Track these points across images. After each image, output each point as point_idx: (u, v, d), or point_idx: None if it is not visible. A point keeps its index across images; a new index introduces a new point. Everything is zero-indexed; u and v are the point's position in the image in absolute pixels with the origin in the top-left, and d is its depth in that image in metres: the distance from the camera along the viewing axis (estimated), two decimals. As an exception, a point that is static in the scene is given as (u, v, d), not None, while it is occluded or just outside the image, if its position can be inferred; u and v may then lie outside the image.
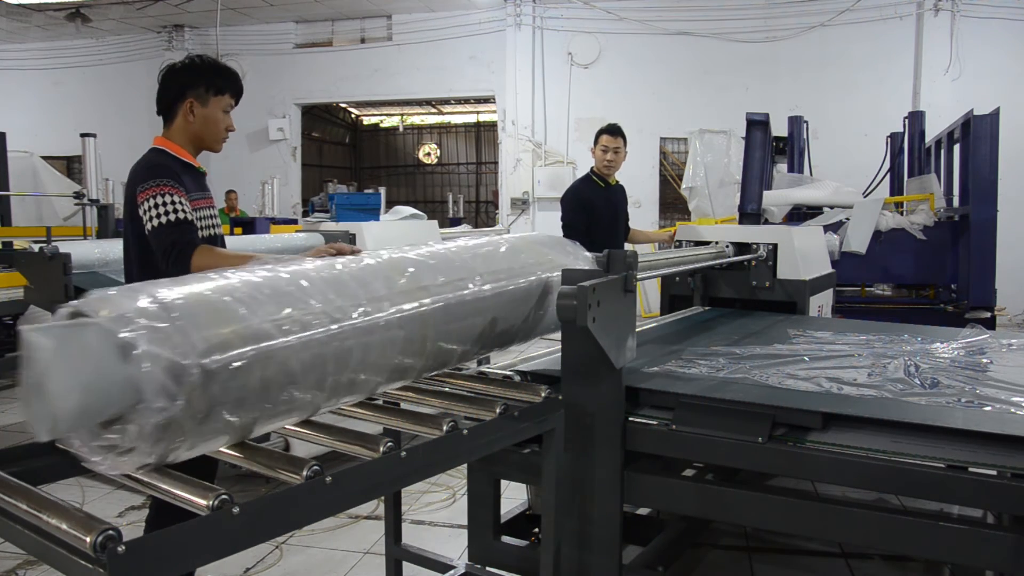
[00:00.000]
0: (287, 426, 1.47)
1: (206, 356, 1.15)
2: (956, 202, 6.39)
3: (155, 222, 2.02)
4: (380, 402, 1.73)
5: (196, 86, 2.16)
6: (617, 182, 4.31)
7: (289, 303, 1.35)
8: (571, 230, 3.89)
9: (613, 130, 4.17)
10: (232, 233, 6.71)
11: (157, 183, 2.05)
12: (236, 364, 1.19)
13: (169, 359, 1.12)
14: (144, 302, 1.16)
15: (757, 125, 5.28)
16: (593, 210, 4.06)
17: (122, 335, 1.11)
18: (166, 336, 1.13)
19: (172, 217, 2.03)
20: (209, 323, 1.20)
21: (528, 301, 1.94)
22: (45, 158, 10.95)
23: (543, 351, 2.49)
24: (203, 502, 1.12)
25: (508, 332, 1.91)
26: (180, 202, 2.04)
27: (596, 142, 4.19)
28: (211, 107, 2.17)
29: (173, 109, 2.19)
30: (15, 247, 5.31)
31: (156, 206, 2.03)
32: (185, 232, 2.04)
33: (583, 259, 2.16)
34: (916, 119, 7.29)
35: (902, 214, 6.13)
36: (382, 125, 17.07)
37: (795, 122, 7.45)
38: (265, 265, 1.46)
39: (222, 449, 1.34)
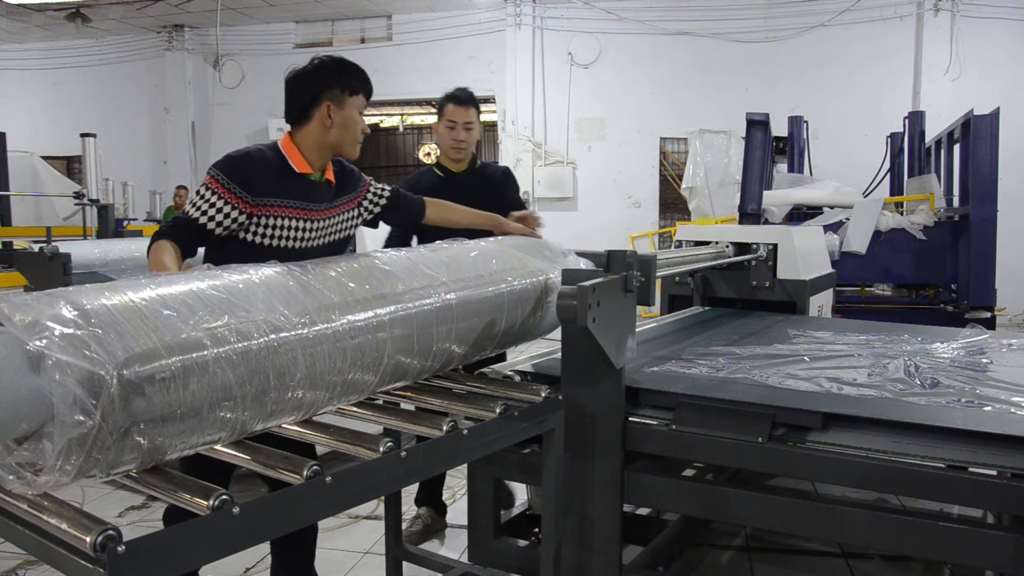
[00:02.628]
0: (285, 426, 1.46)
1: (127, 367, 1.07)
2: (956, 202, 6.39)
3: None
4: (380, 402, 1.73)
5: (331, 88, 2.05)
6: (480, 164, 3.14)
7: (227, 311, 1.26)
8: (394, 239, 3.03)
9: (463, 98, 3.03)
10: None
11: (209, 174, 1.97)
12: (162, 376, 1.11)
13: (84, 370, 1.03)
14: (63, 309, 1.08)
15: (757, 125, 5.29)
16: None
17: (33, 344, 1.03)
18: (82, 345, 1.04)
19: (184, 211, 1.96)
20: (133, 331, 1.11)
21: (499, 310, 1.84)
22: (45, 158, 10.96)
23: (543, 351, 2.49)
24: (203, 502, 1.12)
25: (478, 343, 1.82)
26: (207, 200, 1.93)
27: (441, 114, 3.05)
28: (347, 108, 2.05)
29: (307, 114, 2.08)
30: (15, 247, 5.31)
31: (191, 200, 1.98)
32: (172, 225, 1.95)
33: (568, 262, 2.10)
34: (916, 119, 7.29)
35: (902, 214, 6.13)
36: (382, 125, 17.05)
37: (795, 122, 7.45)
38: (212, 272, 1.37)
39: (221, 449, 1.34)
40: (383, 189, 2.35)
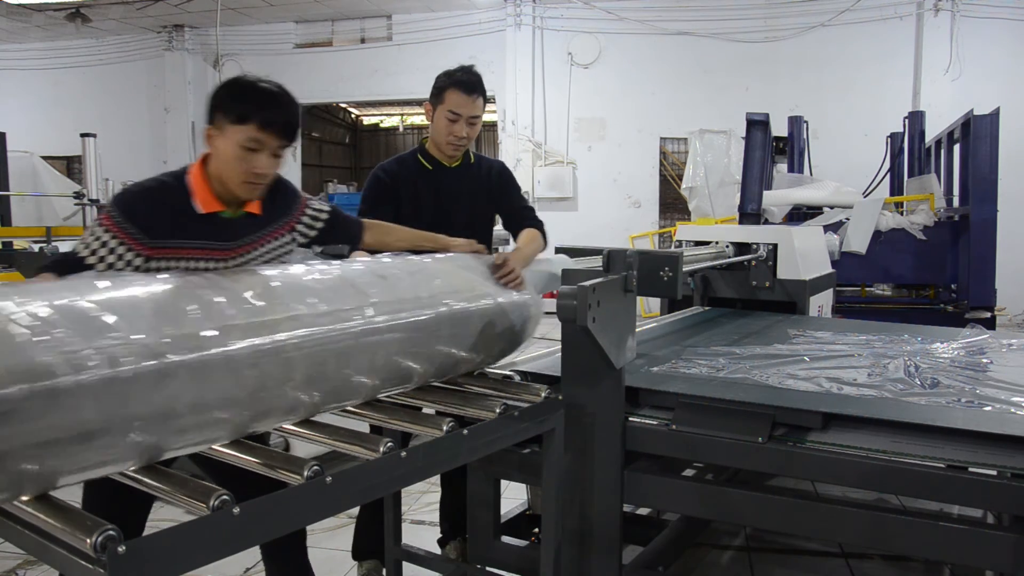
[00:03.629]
0: (286, 426, 1.46)
1: None
2: (956, 202, 6.39)
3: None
4: (380, 402, 1.73)
5: (216, 109, 1.73)
6: (474, 159, 2.70)
7: (96, 332, 1.11)
8: None
9: (471, 84, 2.57)
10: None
11: (105, 211, 1.71)
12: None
13: None
14: None
15: (757, 125, 5.29)
16: (403, 203, 2.55)
17: None
18: None
19: (74, 249, 1.71)
20: None
21: (435, 339, 1.70)
22: (45, 158, 10.95)
23: (543, 351, 2.49)
24: (203, 502, 1.12)
25: (409, 374, 1.68)
26: (100, 239, 1.67)
27: (440, 99, 2.55)
28: (228, 137, 1.71)
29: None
30: (15, 247, 5.31)
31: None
32: (59, 261, 1.72)
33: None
34: (916, 119, 7.29)
35: (902, 214, 6.13)
36: (382, 125, 17.06)
37: (795, 122, 7.45)
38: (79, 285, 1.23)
39: (221, 448, 1.34)
40: (320, 211, 2.05)
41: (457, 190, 2.60)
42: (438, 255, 2.02)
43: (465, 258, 2.04)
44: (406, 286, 1.71)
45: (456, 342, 1.78)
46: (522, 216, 2.67)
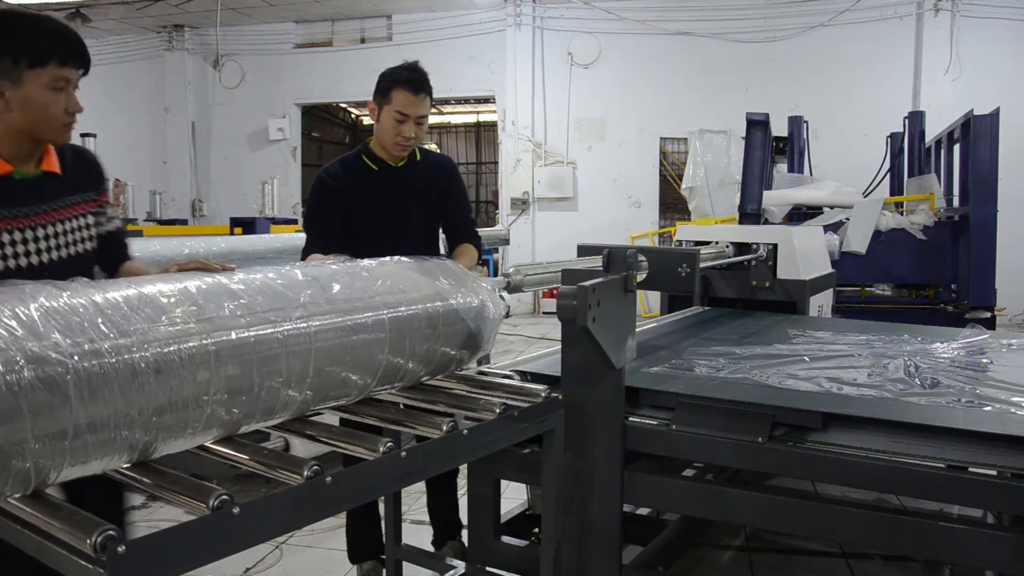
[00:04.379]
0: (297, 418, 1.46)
1: None
2: (956, 202, 6.40)
3: None
4: (380, 401, 1.73)
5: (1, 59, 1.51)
6: (420, 155, 2.60)
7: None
8: (313, 246, 2.43)
9: (417, 83, 2.44)
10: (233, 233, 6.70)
11: None
12: None
13: None
14: None
15: (757, 125, 5.29)
16: (351, 207, 2.46)
17: None
18: None
19: None
20: None
21: (372, 347, 1.55)
22: (45, 158, 10.96)
23: (543, 351, 2.49)
24: (203, 502, 1.12)
25: (343, 386, 1.52)
26: None
27: (386, 98, 2.42)
28: (28, 85, 1.53)
29: None
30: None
31: None
32: None
33: (476, 291, 1.86)
34: (916, 119, 7.29)
35: (902, 214, 6.14)
36: (382, 125, 17.07)
37: (795, 122, 7.45)
38: None
39: (221, 449, 1.34)
40: (112, 219, 1.84)
41: (405, 190, 2.52)
42: (384, 259, 1.83)
43: (409, 261, 1.88)
44: (343, 288, 1.56)
45: (399, 344, 1.63)
46: (461, 230, 2.63)
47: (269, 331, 1.35)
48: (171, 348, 1.20)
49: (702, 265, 3.33)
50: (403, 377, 1.68)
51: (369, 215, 2.47)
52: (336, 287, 1.54)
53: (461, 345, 1.82)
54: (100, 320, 1.16)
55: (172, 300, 1.27)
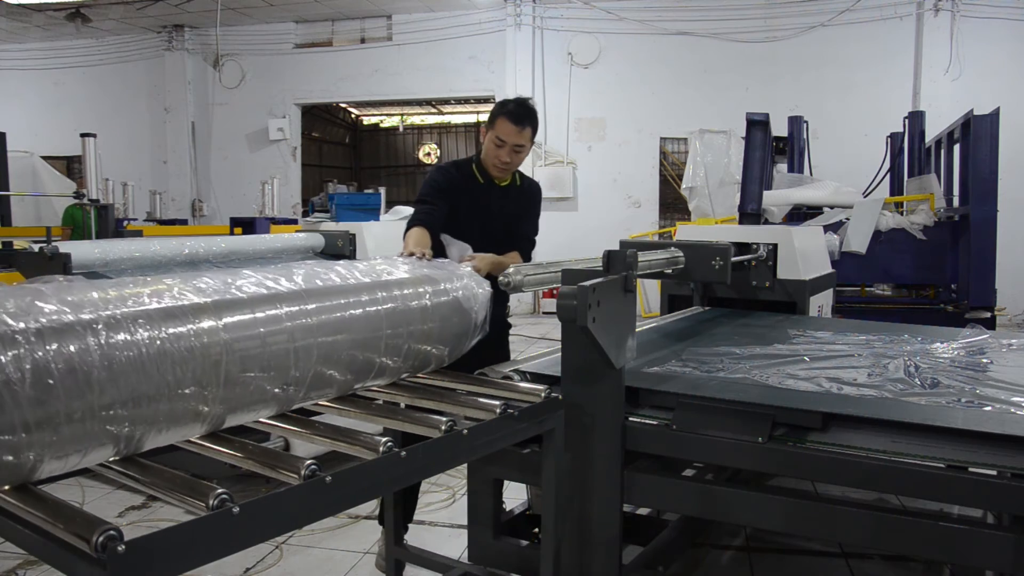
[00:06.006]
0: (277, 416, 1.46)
1: None
2: (956, 202, 6.39)
3: None
4: (380, 402, 1.73)
5: None
6: (520, 181, 2.84)
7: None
8: (420, 222, 2.56)
9: (519, 115, 2.62)
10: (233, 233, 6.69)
11: None
12: None
13: None
14: None
15: (757, 125, 5.28)
16: (455, 206, 2.68)
17: None
18: None
19: None
20: None
21: (371, 320, 1.62)
22: (45, 158, 10.96)
23: (543, 351, 2.49)
24: (203, 502, 1.12)
25: (347, 364, 1.58)
26: None
27: (491, 124, 2.67)
28: None
29: None
30: (15, 247, 5.31)
31: None
32: None
33: (459, 275, 1.97)
34: (916, 119, 7.29)
35: (902, 214, 6.13)
36: (382, 125, 17.07)
37: (795, 122, 7.45)
38: None
39: (221, 448, 1.34)
40: None
41: (500, 208, 2.75)
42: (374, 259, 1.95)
43: (395, 260, 1.99)
44: (319, 280, 1.62)
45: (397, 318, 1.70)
46: (518, 242, 2.78)
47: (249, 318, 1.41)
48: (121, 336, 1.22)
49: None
50: (404, 355, 1.76)
51: (465, 219, 2.67)
52: (320, 281, 1.62)
53: (449, 319, 1.89)
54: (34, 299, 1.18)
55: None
